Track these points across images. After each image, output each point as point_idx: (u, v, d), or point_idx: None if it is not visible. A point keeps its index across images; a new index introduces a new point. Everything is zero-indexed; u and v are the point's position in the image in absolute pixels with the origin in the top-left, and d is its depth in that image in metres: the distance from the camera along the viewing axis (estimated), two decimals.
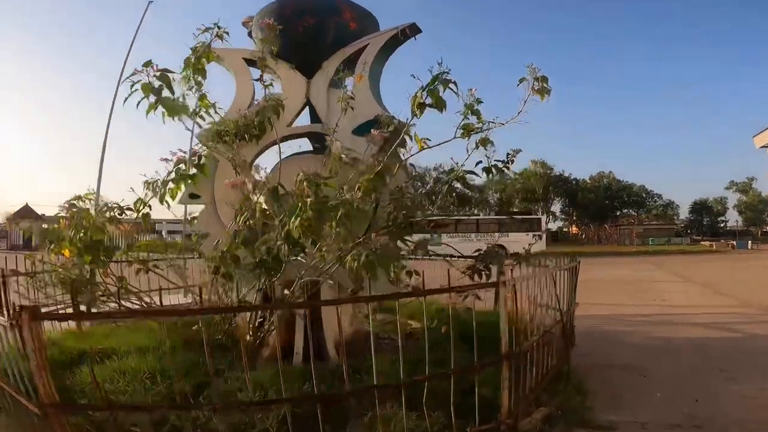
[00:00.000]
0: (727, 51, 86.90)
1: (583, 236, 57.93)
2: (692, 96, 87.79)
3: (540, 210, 52.76)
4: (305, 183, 3.11)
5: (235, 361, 3.93)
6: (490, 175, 4.28)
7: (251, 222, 3.37)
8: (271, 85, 4.64)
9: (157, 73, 3.44)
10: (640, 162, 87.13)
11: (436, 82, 3.21)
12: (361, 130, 5.01)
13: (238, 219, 3.47)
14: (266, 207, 3.23)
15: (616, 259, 25.79)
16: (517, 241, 21.63)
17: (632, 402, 3.87)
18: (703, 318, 7.60)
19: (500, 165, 4.26)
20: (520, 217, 32.43)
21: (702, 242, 45.70)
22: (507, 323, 2.83)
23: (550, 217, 57.82)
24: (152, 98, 3.56)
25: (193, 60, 3.97)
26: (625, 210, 62.02)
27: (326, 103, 5.70)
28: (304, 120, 6.48)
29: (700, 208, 64.28)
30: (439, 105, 3.28)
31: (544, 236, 28.03)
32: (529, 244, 4.44)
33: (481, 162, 4.24)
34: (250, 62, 6.05)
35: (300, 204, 2.80)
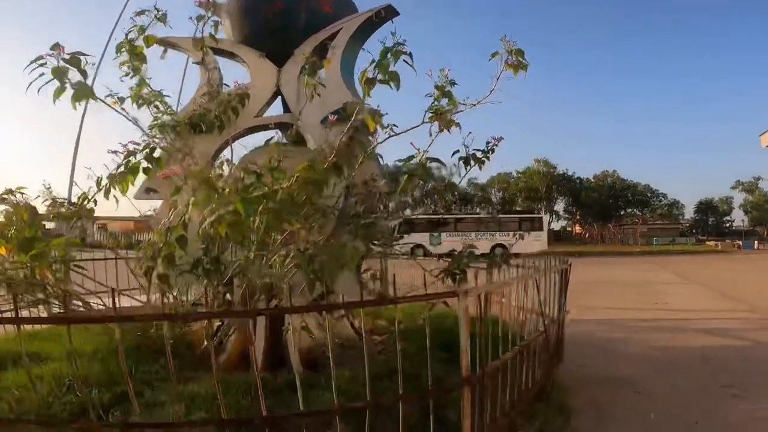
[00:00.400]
0: (731, 50, 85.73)
1: (587, 236, 57.21)
2: (696, 95, 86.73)
3: (543, 209, 52.02)
4: (241, 172, 2.69)
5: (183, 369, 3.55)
6: (468, 167, 3.87)
7: (185, 218, 2.94)
8: (215, 68, 4.23)
9: (67, 56, 3.03)
10: (645, 161, 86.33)
11: (388, 55, 2.75)
12: None
13: (170, 214, 3.04)
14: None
15: (619, 259, 25.24)
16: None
17: (622, 424, 3.41)
18: (707, 324, 7.11)
19: (479, 155, 3.85)
20: (521, 215, 31.83)
21: (707, 242, 44.97)
22: (468, 340, 2.37)
23: (554, 216, 57.08)
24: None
25: (127, 45, 3.60)
26: (630, 209, 61.22)
27: (297, 92, 5.32)
28: (277, 110, 6.09)
29: (705, 207, 63.34)
30: (393, 79, 2.82)
31: (545, 235, 27.39)
32: (510, 244, 3.97)
33: (458, 151, 3.83)
34: (218, 51, 5.67)
35: (216, 194, 2.37)
